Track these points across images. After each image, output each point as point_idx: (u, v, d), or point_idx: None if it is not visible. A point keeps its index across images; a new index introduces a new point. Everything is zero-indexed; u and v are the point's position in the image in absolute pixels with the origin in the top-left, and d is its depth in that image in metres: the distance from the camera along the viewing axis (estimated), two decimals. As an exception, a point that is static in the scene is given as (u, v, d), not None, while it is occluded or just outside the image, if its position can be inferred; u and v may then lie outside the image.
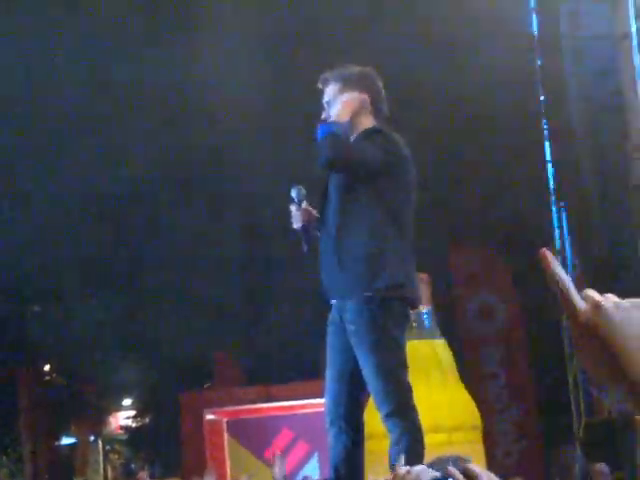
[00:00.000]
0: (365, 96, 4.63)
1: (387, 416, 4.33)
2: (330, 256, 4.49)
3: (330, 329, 4.59)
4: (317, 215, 4.66)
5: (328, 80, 4.68)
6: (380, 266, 4.40)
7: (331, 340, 4.57)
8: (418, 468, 3.12)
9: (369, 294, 4.35)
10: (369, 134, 4.53)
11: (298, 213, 4.60)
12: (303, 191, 4.65)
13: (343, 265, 4.44)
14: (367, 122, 4.62)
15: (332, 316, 4.58)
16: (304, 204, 4.64)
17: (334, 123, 4.51)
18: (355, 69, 4.71)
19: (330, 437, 4.50)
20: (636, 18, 10.29)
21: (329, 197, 4.57)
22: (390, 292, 4.38)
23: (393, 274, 4.40)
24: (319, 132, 4.49)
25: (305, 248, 4.59)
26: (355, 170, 4.49)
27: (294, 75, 14.61)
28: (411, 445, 4.25)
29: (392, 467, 3.26)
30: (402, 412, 4.32)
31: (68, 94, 16.01)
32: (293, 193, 4.64)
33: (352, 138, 4.61)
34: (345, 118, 4.53)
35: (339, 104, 4.57)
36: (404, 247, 4.49)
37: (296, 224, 4.61)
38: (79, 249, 18.44)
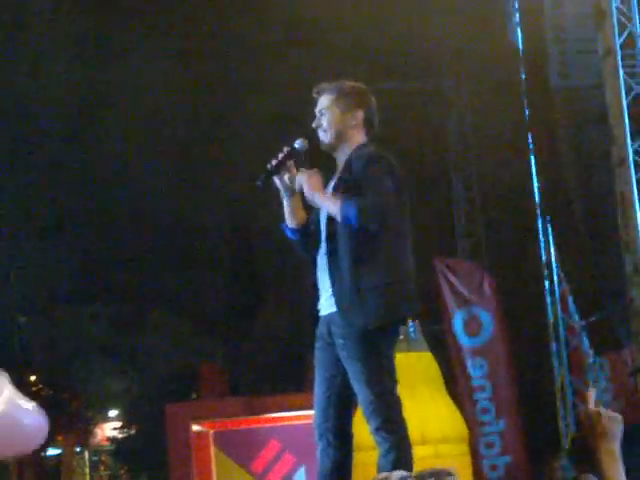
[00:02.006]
0: (360, 112, 4.65)
1: (377, 430, 4.34)
2: (339, 277, 4.45)
3: (318, 344, 4.59)
4: (292, 181, 4.61)
5: (324, 90, 4.68)
6: (394, 292, 4.49)
7: (319, 355, 4.57)
8: (397, 473, 3.17)
9: (377, 322, 4.36)
10: (373, 160, 4.47)
11: (282, 154, 4.57)
12: (304, 145, 4.61)
13: (353, 289, 4.40)
14: (359, 137, 4.63)
15: (320, 330, 4.58)
16: (290, 161, 4.59)
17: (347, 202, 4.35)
18: (351, 83, 4.73)
19: (318, 451, 4.52)
20: (620, 33, 10.38)
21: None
22: (393, 316, 4.48)
23: (401, 300, 4.49)
24: (343, 209, 4.37)
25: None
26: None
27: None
28: (400, 458, 4.28)
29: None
30: (391, 426, 4.34)
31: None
32: (296, 140, 4.62)
33: (346, 153, 4.60)
34: (317, 191, 4.47)
35: (306, 183, 4.50)
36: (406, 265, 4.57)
37: (272, 162, 4.57)
38: (68, 261, 18.42)
